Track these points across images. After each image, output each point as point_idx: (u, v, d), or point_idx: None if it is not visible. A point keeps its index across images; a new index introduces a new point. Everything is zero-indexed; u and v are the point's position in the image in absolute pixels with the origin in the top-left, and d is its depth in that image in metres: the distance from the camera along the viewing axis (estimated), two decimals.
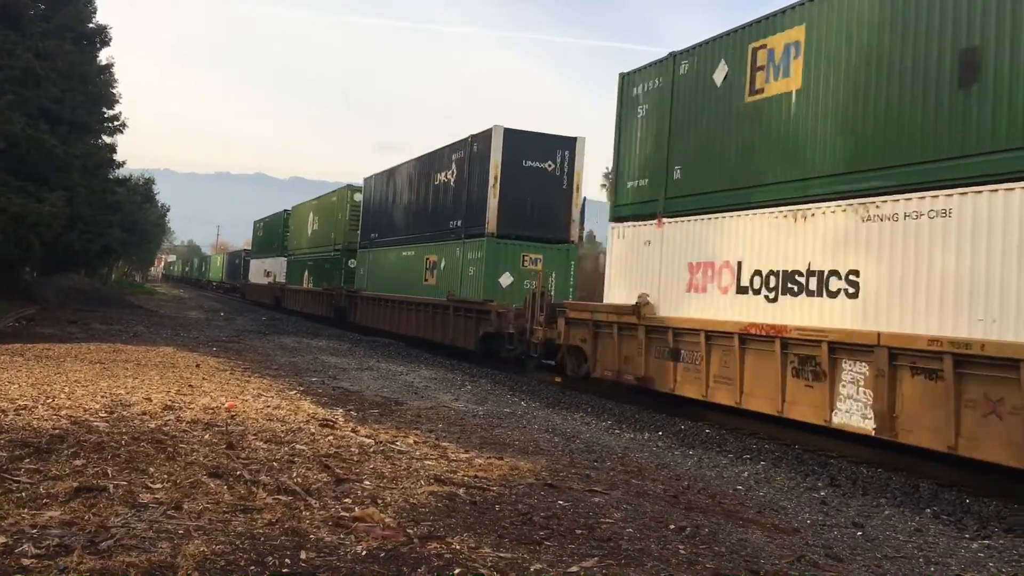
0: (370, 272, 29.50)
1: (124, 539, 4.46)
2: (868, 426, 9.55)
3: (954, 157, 8.92)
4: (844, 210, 10.18)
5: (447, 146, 23.21)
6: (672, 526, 5.91)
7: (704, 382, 12.16)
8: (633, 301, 13.77)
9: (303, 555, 4.47)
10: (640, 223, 14.26)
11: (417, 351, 22.93)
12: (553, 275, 19.53)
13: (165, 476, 5.85)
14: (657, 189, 13.86)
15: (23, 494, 5.19)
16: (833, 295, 10.22)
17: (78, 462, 6.07)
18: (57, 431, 7.10)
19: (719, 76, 12.55)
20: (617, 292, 14.73)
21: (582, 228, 22.64)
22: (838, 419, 9.93)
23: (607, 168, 42.40)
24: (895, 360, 9.23)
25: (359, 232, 31.34)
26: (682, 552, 5.26)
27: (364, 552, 4.61)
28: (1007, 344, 8.11)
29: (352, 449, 7.56)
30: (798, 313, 10.69)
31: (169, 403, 9.20)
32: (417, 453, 7.70)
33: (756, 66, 11.82)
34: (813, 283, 10.54)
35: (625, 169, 14.92)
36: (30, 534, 4.45)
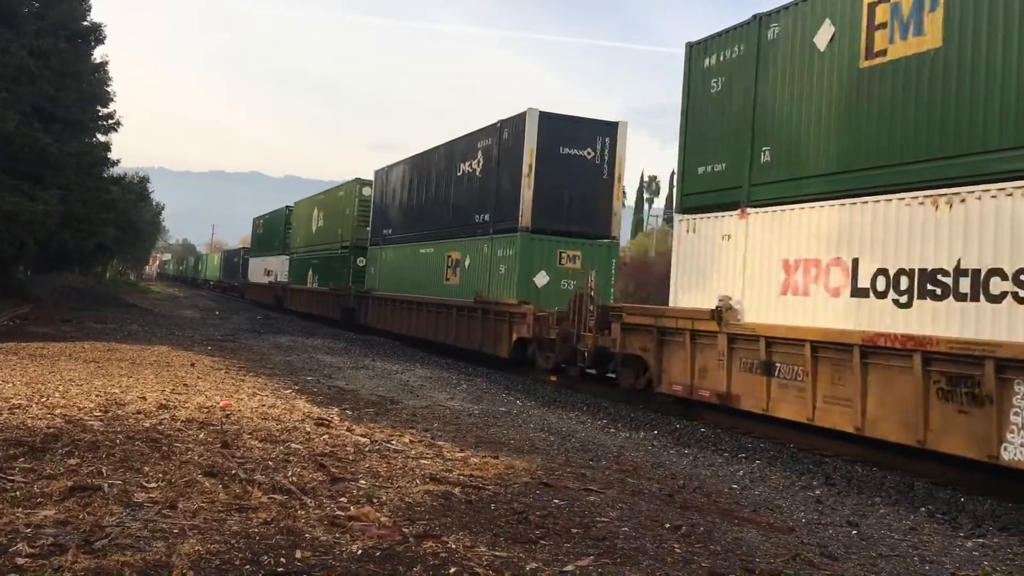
0: (382, 271, 27.96)
1: (119, 538, 4.45)
2: None
3: None
4: (1010, 194, 8.32)
5: (471, 133, 21.42)
6: (667, 525, 5.91)
7: (809, 402, 10.37)
8: (707, 305, 12.07)
9: (298, 554, 4.47)
10: (715, 215, 12.45)
11: (412, 350, 22.86)
12: (593, 274, 19.12)
13: (160, 475, 5.83)
14: (738, 174, 11.99)
15: (17, 493, 5.18)
16: (995, 299, 8.39)
17: (72, 461, 6.05)
18: (51, 430, 7.08)
19: (822, 39, 10.77)
20: (685, 294, 12.99)
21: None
22: (1009, 455, 8.04)
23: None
24: None
25: (369, 228, 29.68)
26: (677, 551, 5.27)
27: (360, 551, 4.60)
28: None
29: (347, 448, 7.55)
30: (942, 321, 8.89)
31: (164, 402, 9.18)
32: (412, 452, 7.69)
33: (875, 24, 10.05)
34: (964, 284, 8.69)
35: (695, 153, 13.01)
36: (24, 533, 4.44)
